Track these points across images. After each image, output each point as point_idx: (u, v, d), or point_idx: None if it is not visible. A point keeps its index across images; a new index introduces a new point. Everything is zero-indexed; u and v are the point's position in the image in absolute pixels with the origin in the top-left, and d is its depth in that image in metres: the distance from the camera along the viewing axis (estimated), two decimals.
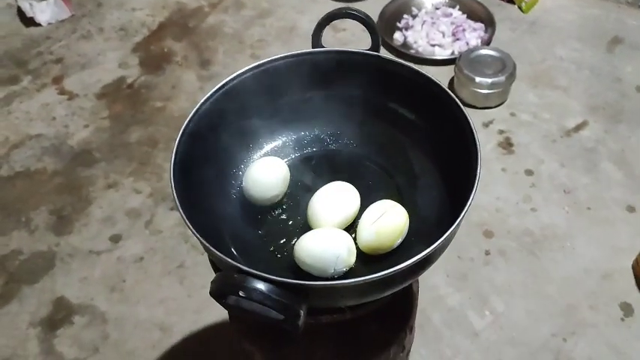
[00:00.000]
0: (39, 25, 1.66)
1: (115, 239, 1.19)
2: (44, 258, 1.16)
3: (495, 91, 1.37)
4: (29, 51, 1.60)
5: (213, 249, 0.50)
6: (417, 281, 0.77)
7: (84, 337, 1.05)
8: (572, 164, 1.28)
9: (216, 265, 0.60)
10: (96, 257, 1.16)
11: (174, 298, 1.09)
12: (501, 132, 1.36)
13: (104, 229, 1.20)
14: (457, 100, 0.62)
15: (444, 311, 1.06)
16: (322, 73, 0.67)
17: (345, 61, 0.67)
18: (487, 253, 1.14)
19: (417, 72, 0.64)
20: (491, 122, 1.38)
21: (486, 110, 1.40)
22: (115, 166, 1.32)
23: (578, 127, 1.36)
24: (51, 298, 1.10)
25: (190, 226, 0.52)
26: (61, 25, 1.68)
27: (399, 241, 0.59)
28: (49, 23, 1.67)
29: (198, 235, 0.51)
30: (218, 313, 1.05)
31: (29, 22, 1.67)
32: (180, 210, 0.53)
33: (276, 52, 0.66)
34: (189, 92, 1.46)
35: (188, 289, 1.10)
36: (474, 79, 1.36)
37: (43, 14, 1.66)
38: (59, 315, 1.08)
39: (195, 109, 0.62)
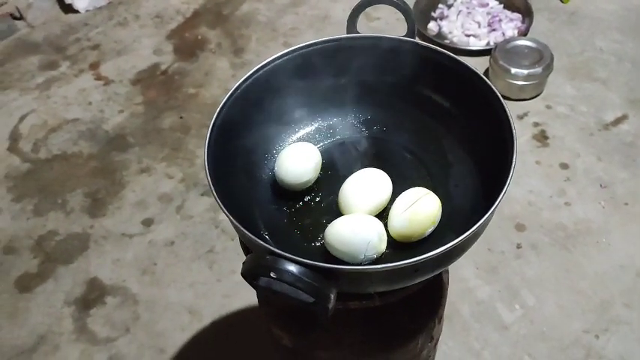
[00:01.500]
0: (77, 12, 1.70)
1: (147, 223, 1.21)
2: (79, 239, 1.19)
3: (531, 82, 1.35)
4: (67, 37, 1.64)
5: (245, 231, 0.51)
6: (448, 271, 0.76)
7: (116, 317, 1.07)
8: (610, 158, 1.25)
9: (247, 247, 0.60)
10: (128, 240, 1.18)
11: (204, 282, 1.11)
12: (536, 124, 1.33)
13: (137, 212, 1.23)
14: (495, 88, 0.61)
15: (473, 304, 1.05)
16: (356, 59, 0.67)
17: (381, 47, 0.66)
18: (518, 246, 1.12)
19: (454, 59, 0.64)
20: (526, 114, 1.35)
21: (521, 102, 1.38)
22: (148, 151, 1.34)
23: (617, 121, 1.33)
24: (85, 279, 1.13)
25: (223, 207, 0.52)
26: (99, 12, 1.71)
27: (431, 229, 0.58)
28: (87, 10, 1.71)
29: (230, 216, 0.52)
30: (247, 298, 1.06)
31: (68, 8, 1.70)
32: (214, 192, 0.54)
33: (309, 40, 0.66)
34: (222, 79, 1.48)
35: (217, 273, 1.12)
36: (510, 70, 1.34)
37: (82, 1, 1.69)
38: (92, 295, 1.11)
39: (229, 94, 0.62)
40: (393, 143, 0.68)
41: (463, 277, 1.08)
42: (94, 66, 1.56)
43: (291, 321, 0.68)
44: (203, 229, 1.19)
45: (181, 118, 1.40)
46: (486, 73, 1.41)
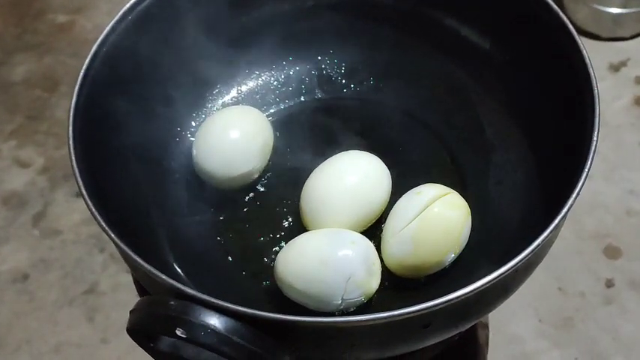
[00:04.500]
0: None
1: None
2: None
3: (634, 10, 1.36)
4: None
5: (134, 256, 0.50)
6: (487, 326, 0.77)
7: None
8: None
9: (142, 286, 0.60)
10: None
11: (79, 344, 1.10)
12: None
13: None
14: (566, 20, 0.61)
15: None
16: None
17: None
18: (609, 284, 1.13)
19: None
20: (624, 64, 1.37)
21: (617, 43, 1.39)
22: None
23: None
24: None
25: (98, 216, 0.52)
26: None
27: (453, 255, 0.59)
28: None
29: (109, 231, 0.52)
30: None
31: None
32: (84, 191, 0.54)
33: None
34: (114, 0, 1.46)
35: (102, 328, 1.11)
36: None
37: None
38: None
39: (116, 19, 0.63)
40: (394, 109, 0.69)
41: (516, 335, 1.09)
42: None
43: None
44: (78, 253, 1.18)
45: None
46: None
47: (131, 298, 1.12)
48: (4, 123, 1.32)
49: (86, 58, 0.61)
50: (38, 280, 1.16)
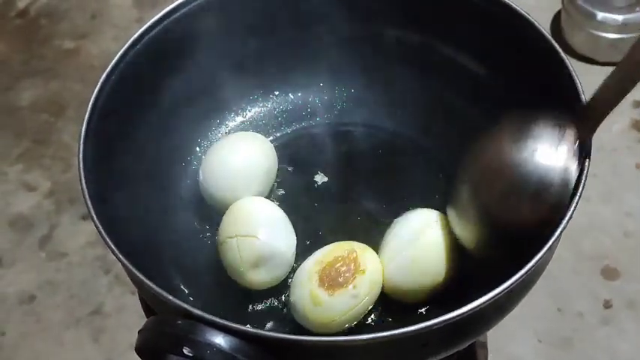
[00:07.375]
0: None
1: None
2: None
3: (629, 35, 1.36)
4: None
5: (142, 277, 0.51)
6: (486, 346, 0.77)
7: None
8: None
9: (150, 307, 0.61)
10: None
11: None
12: (638, 104, 1.35)
13: None
14: (557, 47, 0.62)
15: None
16: None
17: None
18: (607, 305, 1.13)
19: None
20: None
21: (614, 68, 1.39)
22: None
23: None
24: None
25: (106, 238, 0.53)
26: None
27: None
28: None
29: (117, 252, 0.52)
30: None
31: None
32: (93, 213, 0.55)
33: None
34: (120, 26, 1.47)
35: (108, 349, 1.11)
36: (595, 16, 1.35)
37: None
38: None
39: (125, 48, 0.63)
40: (393, 135, 0.70)
41: (515, 355, 1.08)
42: None
43: None
44: (84, 275, 1.17)
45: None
46: (557, 19, 1.42)
47: (136, 319, 1.13)
48: (11, 147, 1.32)
49: (94, 84, 0.61)
50: (45, 302, 1.16)
